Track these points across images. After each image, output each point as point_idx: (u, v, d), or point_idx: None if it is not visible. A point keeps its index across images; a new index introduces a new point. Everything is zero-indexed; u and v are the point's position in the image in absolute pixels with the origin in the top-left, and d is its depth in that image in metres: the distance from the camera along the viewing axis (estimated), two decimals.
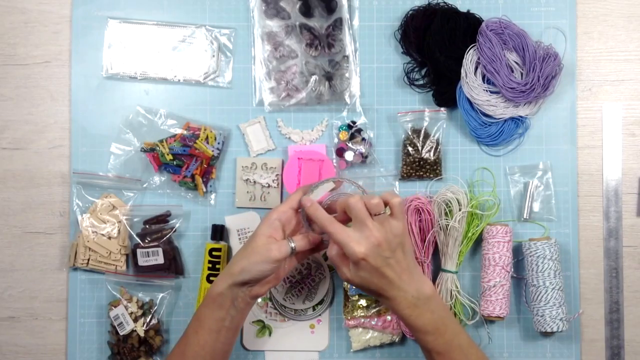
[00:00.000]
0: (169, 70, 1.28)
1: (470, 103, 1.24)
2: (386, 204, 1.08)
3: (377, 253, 1.04)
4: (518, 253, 1.25)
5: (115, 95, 1.28)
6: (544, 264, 1.20)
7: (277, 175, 1.26)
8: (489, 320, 1.25)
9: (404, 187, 1.27)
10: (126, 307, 1.24)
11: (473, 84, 1.23)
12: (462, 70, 1.23)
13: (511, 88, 1.21)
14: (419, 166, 1.25)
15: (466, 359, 1.08)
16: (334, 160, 1.26)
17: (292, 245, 1.09)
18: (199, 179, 1.25)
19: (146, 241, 1.23)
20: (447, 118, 1.26)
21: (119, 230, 1.25)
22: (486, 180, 1.27)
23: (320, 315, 1.27)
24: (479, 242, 1.25)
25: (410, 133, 1.26)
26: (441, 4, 1.26)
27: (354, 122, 1.27)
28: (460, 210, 1.21)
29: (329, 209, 1.13)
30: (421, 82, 1.27)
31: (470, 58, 1.23)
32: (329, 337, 1.27)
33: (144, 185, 1.27)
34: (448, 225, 1.21)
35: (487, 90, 1.23)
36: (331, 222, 1.06)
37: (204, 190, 1.25)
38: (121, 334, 1.23)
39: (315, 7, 1.26)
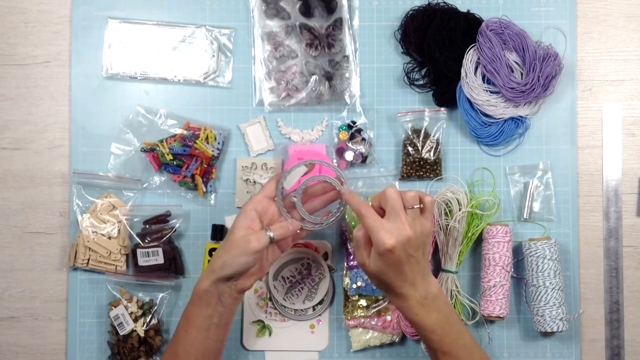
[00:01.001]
0: (169, 70, 1.28)
1: (470, 103, 1.24)
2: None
3: (404, 248, 1.03)
4: (518, 253, 1.25)
5: (115, 95, 1.28)
6: (544, 264, 1.20)
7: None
8: (489, 320, 1.25)
9: (404, 187, 1.27)
10: (126, 307, 1.24)
11: (473, 84, 1.23)
12: (462, 70, 1.23)
13: (511, 88, 1.21)
14: (419, 166, 1.25)
15: (471, 358, 1.08)
16: (334, 161, 1.26)
17: (270, 234, 1.08)
18: (199, 179, 1.25)
19: (146, 241, 1.23)
20: (447, 118, 1.26)
21: (119, 230, 1.25)
22: (486, 180, 1.27)
23: (320, 315, 1.27)
24: (479, 242, 1.25)
25: (410, 133, 1.26)
26: (441, 4, 1.26)
27: (354, 122, 1.27)
28: (460, 210, 1.21)
29: (306, 194, 1.13)
30: (421, 82, 1.27)
31: (470, 58, 1.23)
32: (329, 337, 1.27)
33: (144, 185, 1.27)
34: (448, 225, 1.21)
35: (487, 90, 1.23)
36: (366, 207, 1.05)
37: (204, 190, 1.25)
38: (121, 334, 1.23)
39: (315, 7, 1.26)
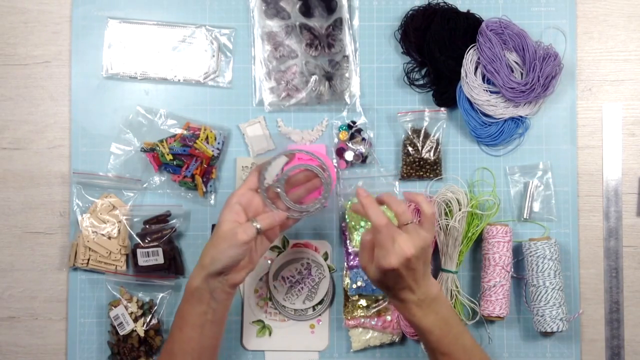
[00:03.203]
0: (169, 70, 1.28)
1: (470, 103, 1.24)
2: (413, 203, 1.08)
3: (406, 266, 1.03)
4: (518, 253, 1.25)
5: (115, 95, 1.28)
6: (544, 264, 1.20)
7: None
8: (489, 320, 1.25)
9: (404, 187, 1.27)
10: (126, 307, 1.24)
11: (473, 84, 1.23)
12: (462, 70, 1.23)
13: (511, 88, 1.21)
14: (419, 166, 1.25)
15: (470, 359, 1.08)
16: (334, 161, 1.26)
17: (257, 225, 1.07)
18: (199, 179, 1.25)
19: (146, 241, 1.23)
20: (447, 118, 1.26)
21: (119, 230, 1.25)
22: (486, 180, 1.27)
23: (320, 315, 1.27)
24: (479, 242, 1.25)
25: (410, 133, 1.26)
26: (441, 4, 1.26)
27: (354, 122, 1.27)
28: (460, 210, 1.21)
29: (288, 183, 1.13)
30: (421, 82, 1.27)
31: (470, 58, 1.23)
32: (329, 337, 1.27)
33: (144, 185, 1.27)
34: (448, 225, 1.21)
35: (487, 90, 1.23)
36: (383, 219, 1.04)
37: (204, 190, 1.25)
38: (121, 334, 1.23)
39: (315, 7, 1.26)
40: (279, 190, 1.12)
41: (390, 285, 1.06)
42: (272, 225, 1.10)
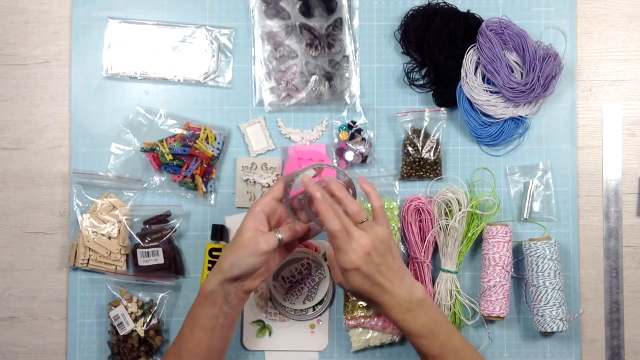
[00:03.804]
0: (169, 70, 1.28)
1: (470, 103, 1.24)
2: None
3: (368, 261, 1.04)
4: (518, 253, 1.25)
5: (115, 95, 1.28)
6: (544, 264, 1.20)
7: (277, 175, 1.26)
8: (489, 320, 1.25)
9: (404, 187, 1.27)
10: (126, 307, 1.24)
11: (473, 84, 1.23)
12: (462, 70, 1.23)
13: (511, 88, 1.21)
14: (419, 166, 1.25)
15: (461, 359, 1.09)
16: (334, 161, 1.26)
17: (279, 236, 1.08)
18: (199, 179, 1.25)
19: (146, 241, 1.23)
20: (447, 118, 1.26)
21: (119, 230, 1.25)
22: (486, 180, 1.27)
23: (320, 315, 1.27)
24: (479, 242, 1.25)
25: (410, 133, 1.26)
26: (441, 4, 1.26)
27: (354, 122, 1.27)
28: (460, 210, 1.21)
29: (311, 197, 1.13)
30: (421, 82, 1.27)
31: (470, 58, 1.23)
32: (329, 337, 1.27)
33: (144, 185, 1.27)
34: (448, 225, 1.21)
35: (487, 90, 1.23)
36: (336, 224, 1.03)
37: (204, 190, 1.25)
38: (121, 334, 1.23)
39: (315, 7, 1.26)
40: (303, 202, 1.12)
41: (364, 289, 1.05)
42: (294, 237, 1.10)
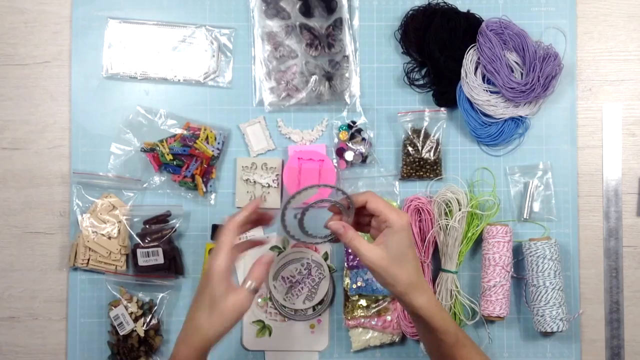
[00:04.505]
0: (169, 70, 1.28)
1: (470, 103, 1.24)
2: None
3: (409, 233, 1.02)
4: (518, 253, 1.25)
5: (115, 95, 1.28)
6: (544, 264, 1.20)
7: (277, 175, 1.26)
8: (489, 320, 1.25)
9: (404, 187, 1.27)
10: (126, 307, 1.24)
11: (473, 84, 1.23)
12: (462, 70, 1.23)
13: (511, 88, 1.21)
14: (419, 166, 1.25)
15: (463, 334, 1.07)
16: (334, 161, 1.26)
17: (252, 286, 1.03)
18: (199, 179, 1.25)
19: (146, 241, 1.23)
20: (447, 118, 1.26)
21: (119, 230, 1.25)
22: (486, 180, 1.27)
23: (320, 315, 1.27)
24: (479, 242, 1.25)
25: (410, 133, 1.26)
26: (441, 4, 1.26)
27: (354, 122, 1.27)
28: (460, 210, 1.21)
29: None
30: (421, 82, 1.27)
31: (470, 58, 1.23)
32: (329, 337, 1.27)
33: (144, 185, 1.27)
34: (448, 225, 1.21)
35: (487, 90, 1.23)
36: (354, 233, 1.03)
37: (204, 190, 1.25)
38: (121, 334, 1.23)
39: (315, 7, 1.26)
40: (297, 217, 1.06)
41: (410, 246, 1.02)
42: (264, 279, 1.05)
